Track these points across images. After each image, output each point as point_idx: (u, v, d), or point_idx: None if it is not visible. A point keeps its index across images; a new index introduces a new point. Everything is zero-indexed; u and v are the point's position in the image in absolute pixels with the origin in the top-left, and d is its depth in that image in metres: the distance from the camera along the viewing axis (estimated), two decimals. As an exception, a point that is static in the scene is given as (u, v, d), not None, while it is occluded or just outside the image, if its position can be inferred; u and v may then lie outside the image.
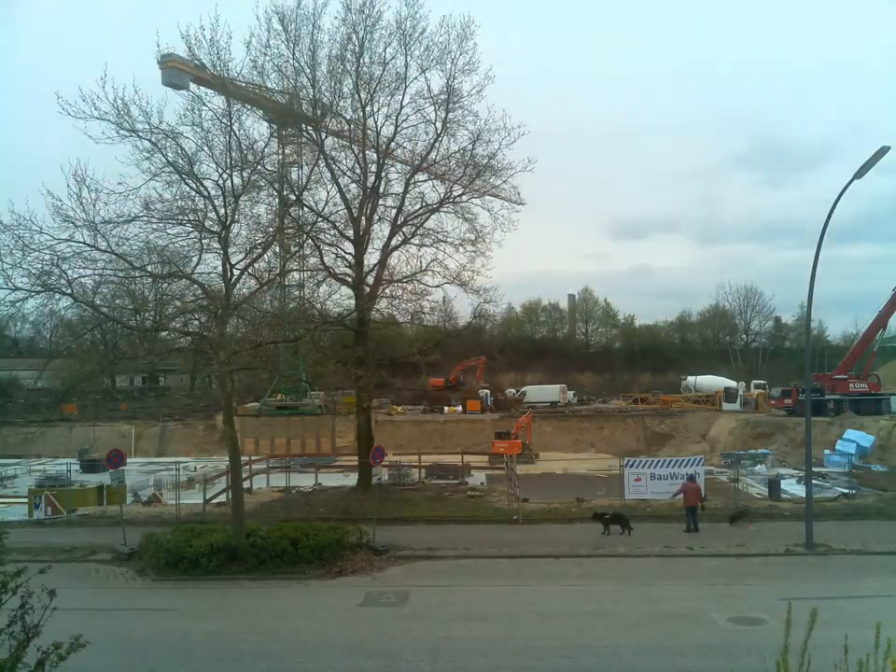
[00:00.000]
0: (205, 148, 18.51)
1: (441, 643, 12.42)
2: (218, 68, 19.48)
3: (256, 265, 19.87)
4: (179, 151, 18.07)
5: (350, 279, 27.28)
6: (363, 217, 27.45)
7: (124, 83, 17.01)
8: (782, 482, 27.89)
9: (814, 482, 21.89)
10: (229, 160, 18.45)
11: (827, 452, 35.55)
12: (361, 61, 25.69)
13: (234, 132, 18.58)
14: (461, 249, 27.40)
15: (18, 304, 16.81)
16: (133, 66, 18.91)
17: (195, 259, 19.15)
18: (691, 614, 13.80)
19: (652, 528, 21.23)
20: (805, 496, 20.08)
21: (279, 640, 12.83)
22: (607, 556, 18.57)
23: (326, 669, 11.82)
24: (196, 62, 20.07)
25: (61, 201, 16.38)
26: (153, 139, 17.76)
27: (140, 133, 17.54)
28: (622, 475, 23.53)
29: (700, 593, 15.53)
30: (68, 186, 16.31)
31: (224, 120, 18.71)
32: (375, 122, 27.02)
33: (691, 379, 63.60)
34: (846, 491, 25.37)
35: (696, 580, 16.59)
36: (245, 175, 19.04)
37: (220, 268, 18.76)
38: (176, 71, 37.29)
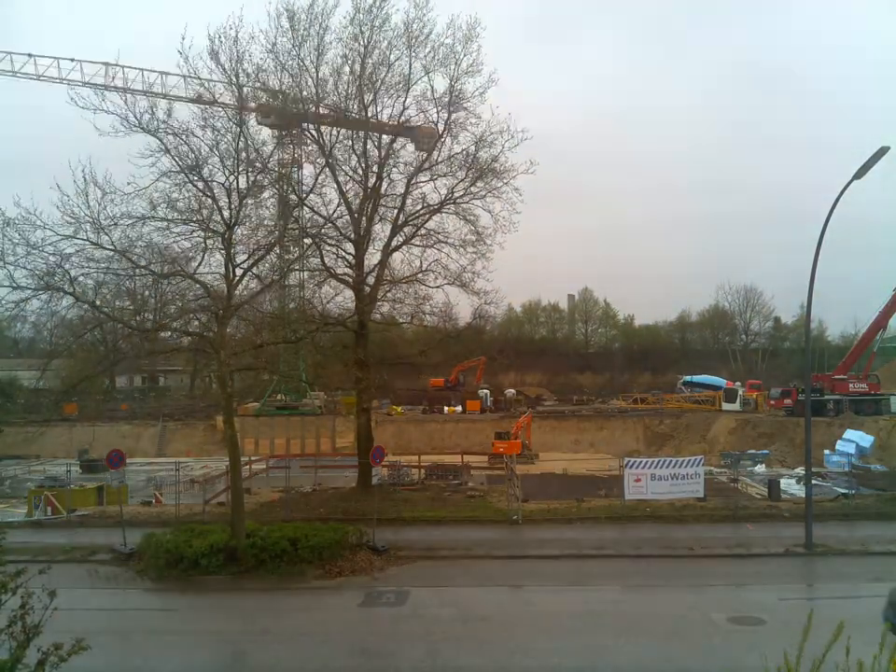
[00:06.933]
0: (214, 150, 18.60)
1: (440, 643, 12.44)
2: (236, 68, 19.60)
3: (258, 266, 19.91)
4: (188, 152, 18.17)
5: (351, 280, 27.25)
6: (364, 218, 27.42)
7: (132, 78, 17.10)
8: (782, 482, 27.90)
9: (813, 482, 21.89)
10: (236, 161, 18.50)
11: (827, 452, 35.52)
12: (366, 61, 25.69)
13: (243, 133, 18.65)
14: (462, 250, 27.39)
15: (21, 304, 16.80)
16: (139, 63, 18.97)
17: (197, 259, 19.20)
18: (691, 614, 13.82)
19: (652, 529, 21.26)
20: (804, 496, 20.11)
21: (279, 640, 12.84)
22: (606, 557, 18.58)
23: (326, 669, 11.84)
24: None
25: (68, 196, 16.43)
26: (160, 137, 17.84)
27: (151, 132, 17.62)
28: (622, 475, 23.51)
29: (700, 593, 15.53)
30: (75, 182, 16.36)
31: (234, 122, 18.78)
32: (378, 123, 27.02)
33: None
34: (845, 491, 25.36)
35: (696, 580, 16.60)
36: (250, 176, 19.08)
37: (222, 268, 18.82)
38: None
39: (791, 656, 4.30)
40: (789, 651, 4.37)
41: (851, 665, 4.30)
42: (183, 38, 18.56)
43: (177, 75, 19.80)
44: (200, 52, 19.45)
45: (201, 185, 18.41)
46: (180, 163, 18.06)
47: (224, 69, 19.73)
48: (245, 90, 20.49)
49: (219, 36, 19.37)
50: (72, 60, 44.48)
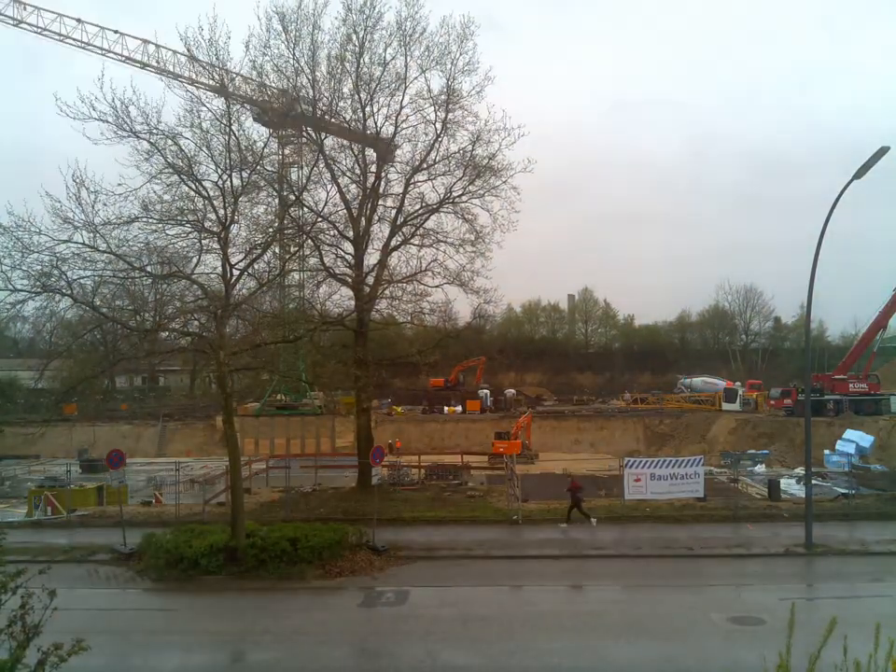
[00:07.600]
0: (204, 149, 18.54)
1: (440, 643, 12.44)
2: (217, 68, 19.51)
3: (255, 265, 19.90)
4: (178, 152, 18.10)
5: (350, 279, 27.25)
6: (363, 218, 27.42)
7: (123, 85, 17.08)
8: (782, 482, 27.89)
9: (813, 482, 21.89)
10: (228, 160, 18.47)
11: (827, 452, 35.53)
12: (361, 61, 25.69)
13: (234, 132, 18.61)
14: (461, 250, 27.39)
15: (18, 306, 16.78)
16: (129, 66, 18.91)
17: (195, 260, 19.18)
18: (691, 614, 13.82)
19: (652, 529, 21.26)
20: (804, 496, 20.10)
21: (279, 640, 12.84)
22: (606, 557, 18.59)
23: (326, 669, 11.83)
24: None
25: (60, 202, 16.38)
26: (152, 140, 17.79)
27: (139, 135, 17.57)
28: (621, 475, 23.52)
29: (700, 593, 15.54)
30: (67, 187, 16.32)
31: (223, 121, 18.74)
32: (375, 123, 27.04)
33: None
34: (845, 491, 25.35)
35: (696, 580, 16.61)
36: (244, 175, 19.06)
37: (220, 268, 18.79)
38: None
39: (787, 655, 4.31)
40: (785, 651, 4.37)
41: (850, 663, 4.30)
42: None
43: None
44: (202, 45, 19.27)
45: (193, 185, 18.38)
46: (172, 164, 18.03)
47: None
48: (240, 88, 20.41)
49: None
50: (116, 32, 45.18)
